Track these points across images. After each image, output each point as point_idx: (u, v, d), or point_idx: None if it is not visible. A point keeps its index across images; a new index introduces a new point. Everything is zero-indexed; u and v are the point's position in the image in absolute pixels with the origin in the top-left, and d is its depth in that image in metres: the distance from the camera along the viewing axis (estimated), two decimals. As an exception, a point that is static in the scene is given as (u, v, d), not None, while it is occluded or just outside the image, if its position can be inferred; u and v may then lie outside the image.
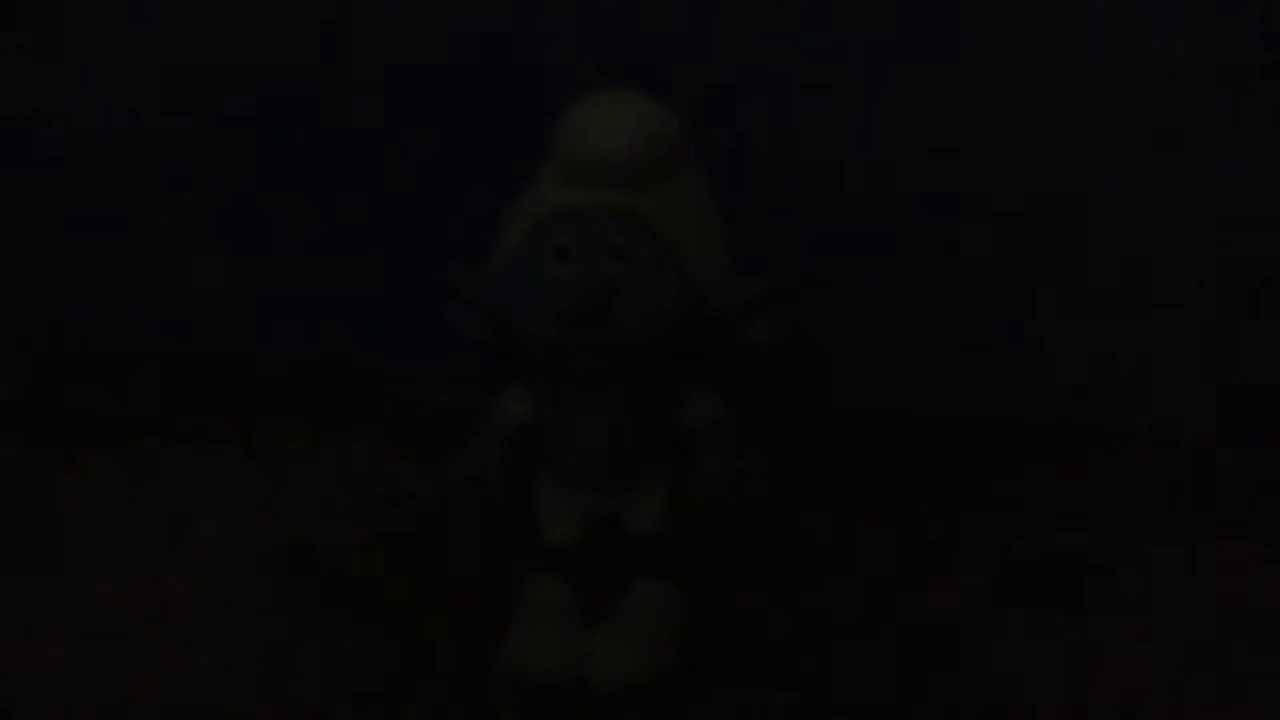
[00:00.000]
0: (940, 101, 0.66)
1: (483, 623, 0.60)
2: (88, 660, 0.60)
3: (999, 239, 0.68)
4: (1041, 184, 0.67)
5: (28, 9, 0.72)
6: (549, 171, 0.55)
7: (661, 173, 0.54)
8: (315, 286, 0.75)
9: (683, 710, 0.57)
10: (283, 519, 0.69)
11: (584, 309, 0.51)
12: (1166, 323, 0.69)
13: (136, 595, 0.64)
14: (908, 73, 0.65)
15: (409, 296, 0.67)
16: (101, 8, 0.72)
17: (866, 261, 0.69)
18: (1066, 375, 0.70)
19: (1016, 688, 0.58)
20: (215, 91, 0.72)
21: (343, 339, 0.75)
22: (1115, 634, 0.61)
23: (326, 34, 0.70)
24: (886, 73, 0.66)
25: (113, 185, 0.75)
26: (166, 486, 0.71)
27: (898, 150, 0.67)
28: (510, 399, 0.59)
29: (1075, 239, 0.68)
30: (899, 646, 0.60)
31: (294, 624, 0.62)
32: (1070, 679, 0.58)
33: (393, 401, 0.74)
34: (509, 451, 0.59)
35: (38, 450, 0.73)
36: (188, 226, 0.76)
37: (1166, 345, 0.69)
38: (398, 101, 0.71)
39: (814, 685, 0.58)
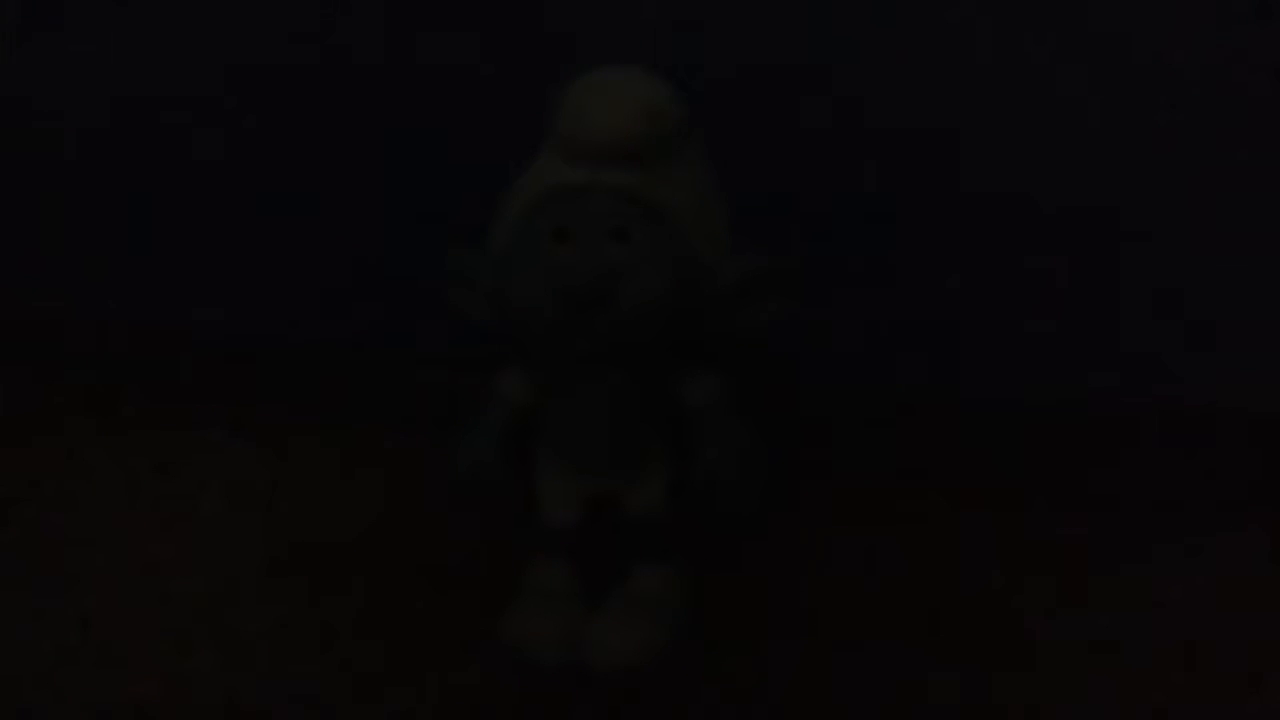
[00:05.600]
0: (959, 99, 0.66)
1: (482, 608, 0.60)
2: (84, 650, 0.60)
3: (1005, 225, 0.68)
4: (1068, 179, 0.67)
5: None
6: (549, 149, 0.55)
7: (662, 150, 0.53)
8: (314, 272, 0.75)
9: (680, 701, 0.56)
10: (282, 506, 0.68)
11: (585, 291, 0.51)
12: (1174, 309, 0.68)
13: (134, 583, 0.64)
14: (963, 67, 0.65)
15: (409, 281, 0.66)
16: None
17: (869, 245, 0.69)
18: (1071, 362, 0.70)
19: (1016, 687, 0.57)
20: (219, 85, 0.72)
21: (342, 325, 0.75)
22: (1118, 631, 0.60)
23: (326, 24, 0.70)
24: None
25: (114, 173, 0.75)
26: (164, 474, 0.70)
27: (897, 140, 0.67)
28: (510, 381, 0.58)
29: (1089, 225, 0.67)
30: (899, 641, 0.59)
31: (293, 612, 0.62)
32: (1072, 678, 0.57)
33: (393, 387, 0.74)
34: (509, 433, 0.58)
35: (35, 437, 0.73)
36: (187, 214, 0.75)
37: (1174, 331, 0.69)
38: (396, 89, 0.70)
39: (812, 681, 0.57)
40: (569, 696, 0.56)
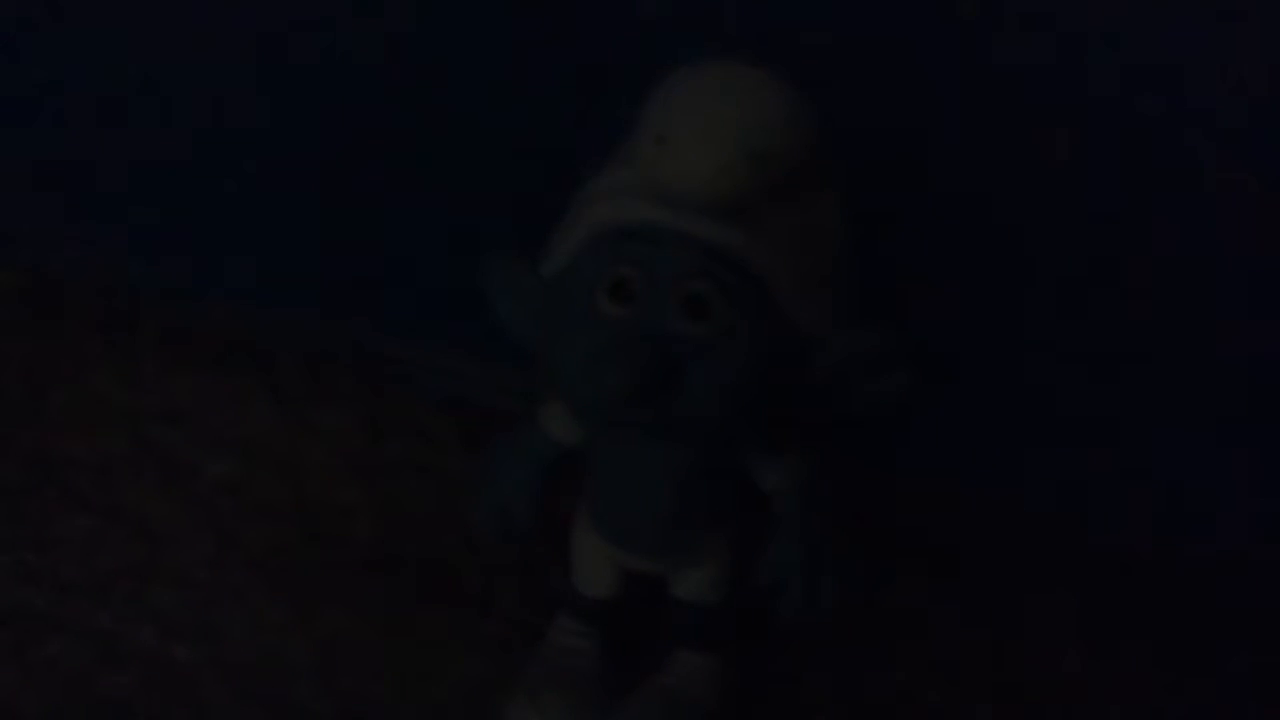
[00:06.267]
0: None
1: (482, 604, 0.55)
2: (67, 610, 0.55)
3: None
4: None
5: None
6: (634, 157, 0.42)
7: (773, 193, 0.41)
8: (347, 259, 0.65)
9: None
10: (296, 470, 0.61)
11: (632, 385, 0.39)
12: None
13: (128, 541, 0.58)
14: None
15: (447, 276, 0.56)
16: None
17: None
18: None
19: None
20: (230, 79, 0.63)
21: (381, 305, 0.65)
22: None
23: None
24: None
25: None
26: (172, 421, 0.63)
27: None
28: (554, 417, 0.48)
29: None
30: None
31: (293, 584, 0.56)
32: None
33: (429, 365, 0.64)
34: (547, 478, 0.49)
35: (36, 371, 0.65)
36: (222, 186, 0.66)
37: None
38: (401, 84, 0.60)
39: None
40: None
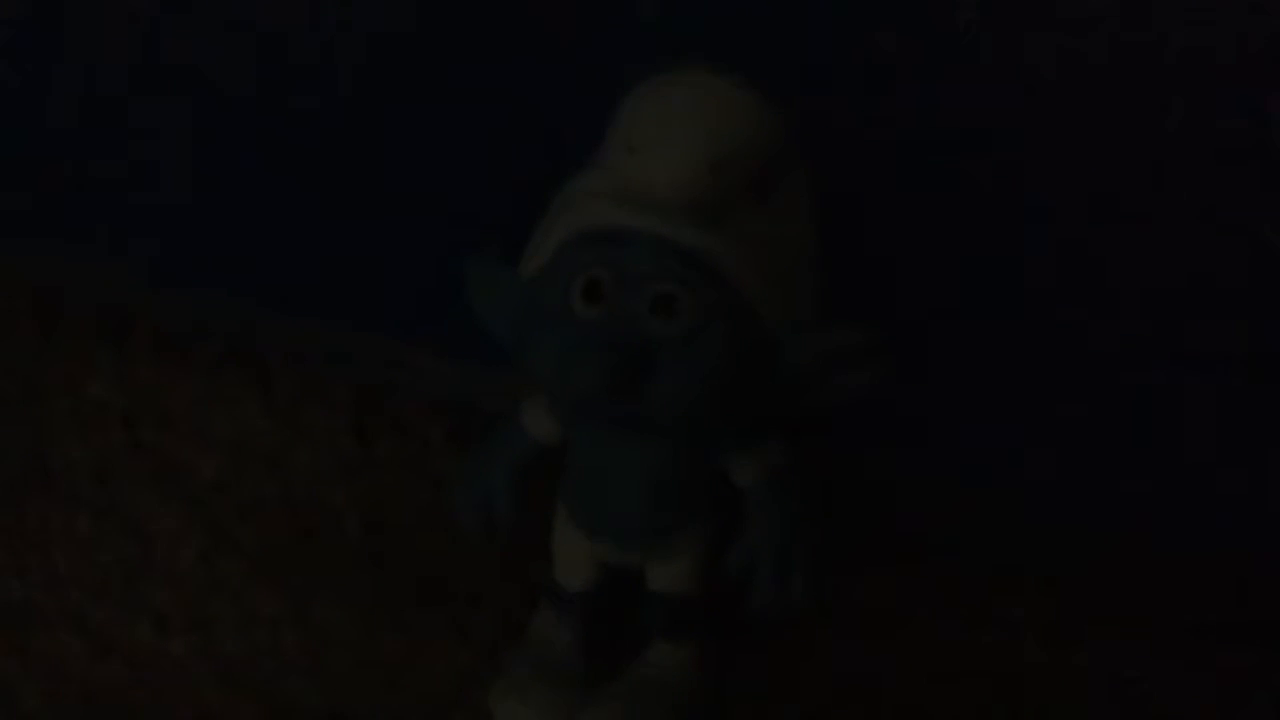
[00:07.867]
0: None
1: (470, 600, 0.56)
2: (64, 605, 0.56)
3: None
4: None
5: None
6: (609, 163, 0.44)
7: (741, 196, 0.42)
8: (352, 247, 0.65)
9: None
10: (286, 470, 0.62)
11: (603, 382, 0.41)
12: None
13: (123, 538, 0.59)
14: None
15: (438, 268, 0.57)
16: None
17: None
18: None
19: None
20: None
21: (371, 307, 0.65)
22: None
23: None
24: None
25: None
26: (165, 422, 0.64)
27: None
28: (532, 414, 0.50)
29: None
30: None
31: (284, 580, 0.57)
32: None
33: (417, 366, 0.65)
34: (528, 474, 0.50)
35: (33, 374, 0.66)
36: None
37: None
38: (399, 85, 0.61)
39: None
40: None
